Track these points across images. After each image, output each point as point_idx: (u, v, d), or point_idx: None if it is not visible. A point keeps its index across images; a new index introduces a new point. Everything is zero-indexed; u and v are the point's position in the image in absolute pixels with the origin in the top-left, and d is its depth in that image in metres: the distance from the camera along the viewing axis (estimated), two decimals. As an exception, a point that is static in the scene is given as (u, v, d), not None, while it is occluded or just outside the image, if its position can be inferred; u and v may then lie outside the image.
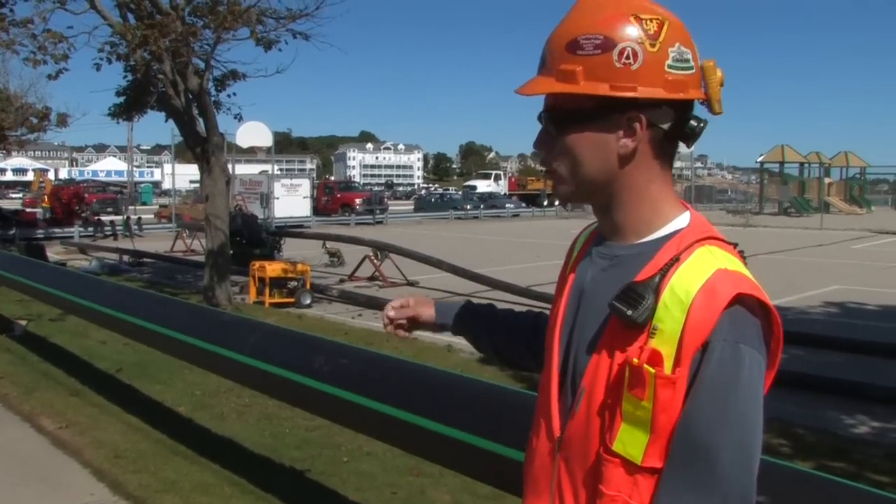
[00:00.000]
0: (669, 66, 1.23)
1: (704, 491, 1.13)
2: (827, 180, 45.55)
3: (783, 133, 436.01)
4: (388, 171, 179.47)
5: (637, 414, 1.17)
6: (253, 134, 24.83)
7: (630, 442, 1.18)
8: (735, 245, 1.28)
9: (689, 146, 1.33)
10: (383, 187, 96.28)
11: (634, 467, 1.18)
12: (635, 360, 1.16)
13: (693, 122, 1.28)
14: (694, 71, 1.26)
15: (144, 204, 49.15)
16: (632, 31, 1.22)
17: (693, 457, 1.14)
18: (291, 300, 12.22)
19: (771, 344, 1.19)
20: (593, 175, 1.29)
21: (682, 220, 1.30)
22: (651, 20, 1.23)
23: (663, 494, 1.16)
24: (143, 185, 62.38)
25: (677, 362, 1.14)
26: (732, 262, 1.21)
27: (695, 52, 1.26)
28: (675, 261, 1.21)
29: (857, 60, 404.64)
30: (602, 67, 1.22)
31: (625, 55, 1.22)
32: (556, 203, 49.84)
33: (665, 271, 1.20)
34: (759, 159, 46.95)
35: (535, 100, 1.31)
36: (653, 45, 1.23)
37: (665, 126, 1.26)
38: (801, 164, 46.68)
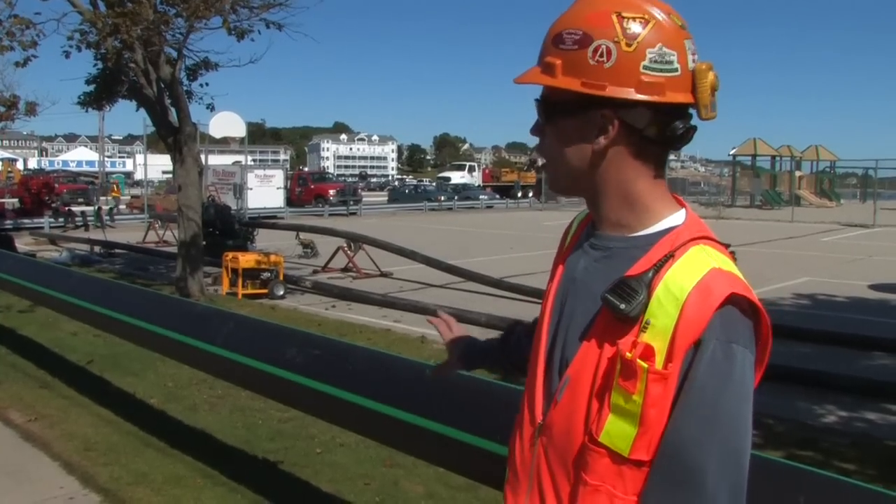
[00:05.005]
0: (645, 67, 1.21)
1: (695, 488, 1.13)
2: (798, 174, 45.93)
3: (755, 126, 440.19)
4: (362, 163, 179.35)
5: (626, 407, 1.16)
6: (226, 124, 24.67)
7: (617, 434, 1.18)
8: (727, 246, 1.27)
9: (674, 149, 1.30)
10: (357, 178, 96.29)
11: (621, 459, 1.18)
12: (628, 354, 1.16)
13: (678, 125, 1.25)
14: (678, 73, 1.22)
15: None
16: (610, 29, 1.21)
17: (684, 454, 1.14)
18: (264, 291, 12.17)
19: (759, 345, 1.20)
20: (572, 167, 1.31)
21: (676, 217, 1.29)
22: (634, 19, 1.21)
23: (653, 490, 1.16)
24: (114, 176, 61.58)
25: (669, 358, 1.14)
26: (726, 263, 1.21)
27: (683, 54, 1.23)
28: (669, 257, 1.20)
29: (828, 56, 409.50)
30: (577, 63, 1.23)
31: (598, 53, 1.21)
32: (530, 195, 50.02)
33: (659, 267, 1.19)
34: (732, 152, 47.20)
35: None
36: (629, 45, 1.21)
37: (640, 127, 1.24)
38: (773, 157, 47.00)
